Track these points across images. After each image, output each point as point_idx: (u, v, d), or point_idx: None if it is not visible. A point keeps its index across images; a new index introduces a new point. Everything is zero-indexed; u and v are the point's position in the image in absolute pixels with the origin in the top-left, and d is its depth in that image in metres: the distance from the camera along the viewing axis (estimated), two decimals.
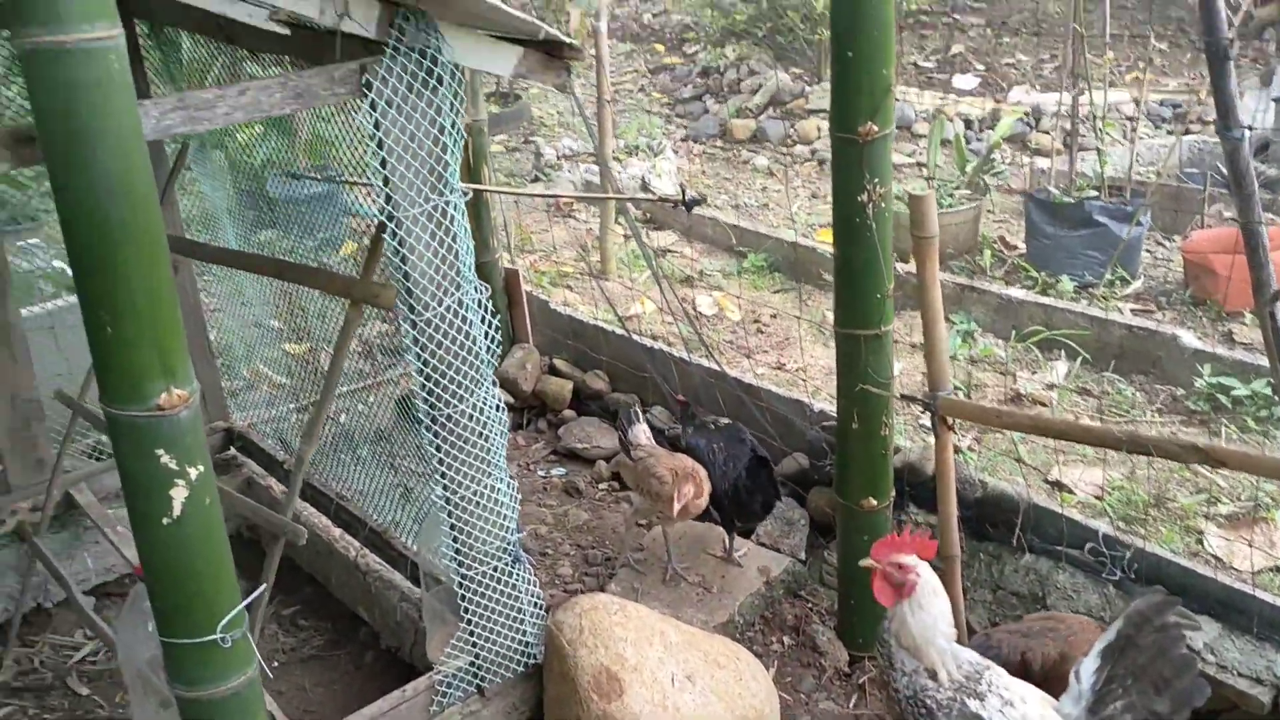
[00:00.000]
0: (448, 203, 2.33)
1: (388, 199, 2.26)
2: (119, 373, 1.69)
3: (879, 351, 2.93)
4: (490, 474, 2.55)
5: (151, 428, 1.70)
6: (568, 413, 4.80)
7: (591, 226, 7.00)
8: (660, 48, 11.59)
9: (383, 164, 2.23)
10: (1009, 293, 5.45)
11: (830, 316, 5.60)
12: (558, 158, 8.65)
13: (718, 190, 8.21)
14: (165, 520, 1.71)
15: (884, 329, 2.90)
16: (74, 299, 4.25)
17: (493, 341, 2.47)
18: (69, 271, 4.98)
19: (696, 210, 4.08)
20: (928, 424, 4.30)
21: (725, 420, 3.88)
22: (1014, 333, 5.19)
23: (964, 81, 9.40)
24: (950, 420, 2.89)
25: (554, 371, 5.02)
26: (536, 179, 8.27)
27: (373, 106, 2.16)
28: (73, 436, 3.38)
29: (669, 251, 6.75)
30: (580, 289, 6.08)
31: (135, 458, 1.72)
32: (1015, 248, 6.41)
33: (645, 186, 7.81)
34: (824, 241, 6.45)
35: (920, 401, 2.93)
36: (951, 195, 6.43)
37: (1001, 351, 5.12)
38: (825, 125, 9.14)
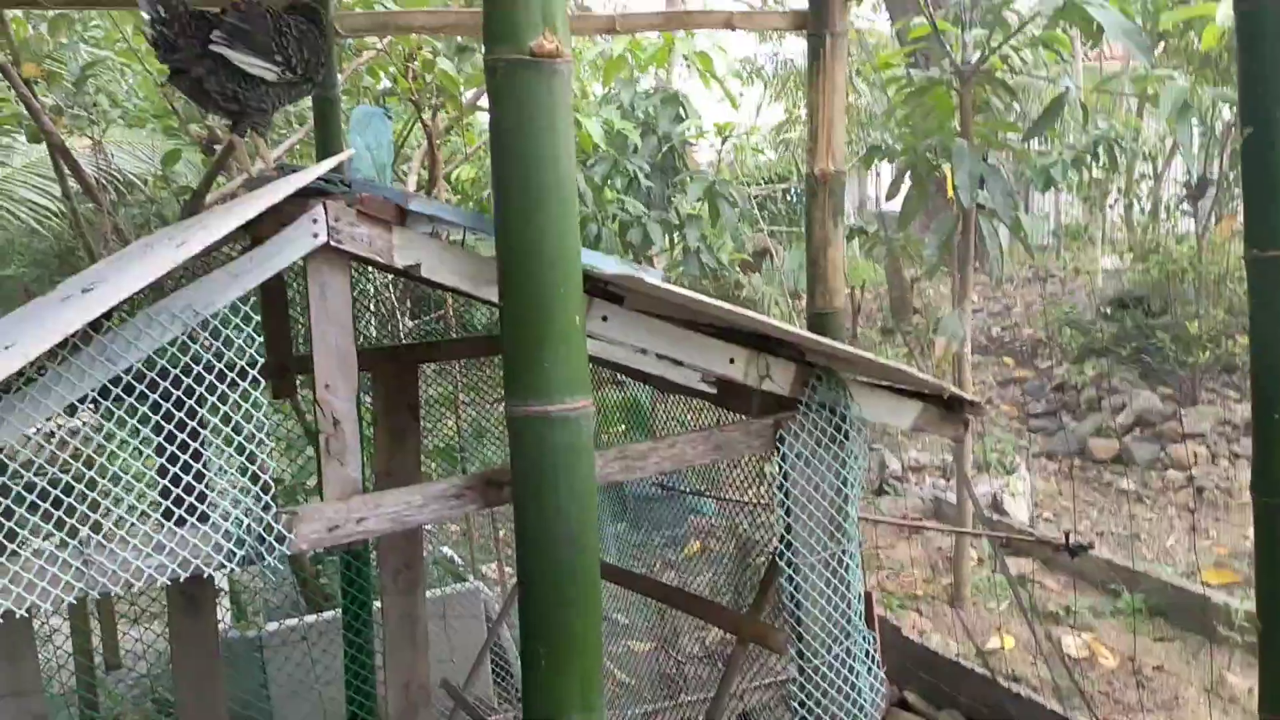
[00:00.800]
0: (844, 551, 2.36)
1: (787, 545, 2.34)
2: (543, 701, 1.81)
3: None
4: None
5: None
6: None
7: (943, 545, 6.76)
8: (1010, 361, 11.46)
9: (786, 512, 2.33)
10: None
11: (1230, 679, 4.96)
12: (903, 469, 8.57)
13: (1079, 516, 7.70)
14: None
15: None
16: (462, 586, 4.67)
17: (878, 695, 2.40)
18: (456, 559, 5.51)
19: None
20: None
21: None
22: None
23: None
24: None
25: (904, 705, 4.72)
26: (882, 491, 8.21)
27: (783, 459, 2.30)
28: None
29: (1028, 580, 6.33)
30: (931, 613, 5.81)
31: None
32: None
33: (998, 506, 7.49)
34: (1212, 585, 5.78)
35: None
36: None
37: None
38: (1202, 450, 8.42)
